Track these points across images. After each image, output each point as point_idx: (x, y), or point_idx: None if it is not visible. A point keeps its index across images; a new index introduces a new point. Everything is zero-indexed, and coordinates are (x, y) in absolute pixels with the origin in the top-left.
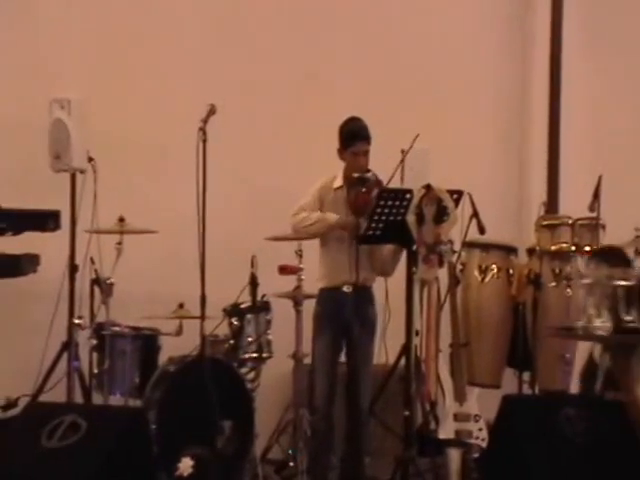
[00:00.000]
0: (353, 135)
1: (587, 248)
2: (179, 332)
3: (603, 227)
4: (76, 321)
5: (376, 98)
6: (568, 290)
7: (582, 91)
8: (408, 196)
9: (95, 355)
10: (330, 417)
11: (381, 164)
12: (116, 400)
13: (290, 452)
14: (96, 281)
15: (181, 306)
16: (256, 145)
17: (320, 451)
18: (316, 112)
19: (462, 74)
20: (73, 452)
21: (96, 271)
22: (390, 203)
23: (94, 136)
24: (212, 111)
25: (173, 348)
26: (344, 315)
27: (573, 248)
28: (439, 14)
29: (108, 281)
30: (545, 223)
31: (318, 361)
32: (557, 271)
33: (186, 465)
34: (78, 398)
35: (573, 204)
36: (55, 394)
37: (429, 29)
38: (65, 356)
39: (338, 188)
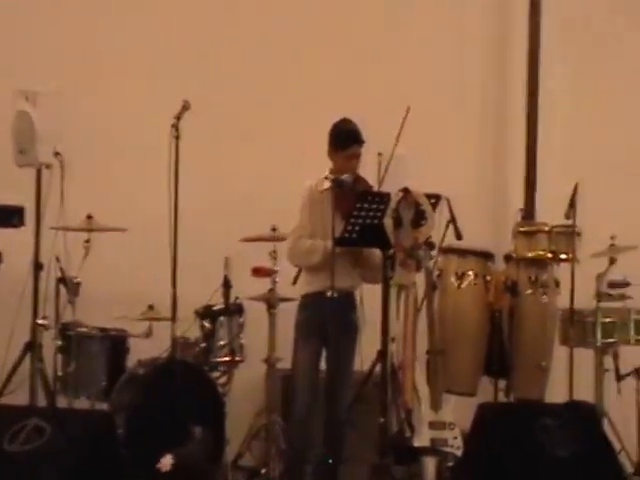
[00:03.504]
0: (349, 137)
1: (563, 255)
2: (149, 334)
3: (579, 235)
4: (40, 321)
5: (356, 100)
6: (544, 297)
7: (559, 101)
8: (386, 199)
9: (60, 357)
10: (310, 426)
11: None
12: (82, 403)
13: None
14: (62, 280)
15: (151, 307)
16: (232, 144)
17: (296, 459)
18: (293, 113)
19: (443, 81)
20: (36, 456)
21: (62, 270)
22: (367, 206)
23: (64, 131)
24: (185, 107)
25: (142, 350)
26: (328, 321)
27: (550, 255)
28: (422, 23)
29: (75, 280)
30: (522, 230)
31: (301, 369)
32: (533, 278)
33: (166, 462)
34: (42, 402)
35: (550, 211)
36: (17, 397)
37: (411, 35)
38: (28, 357)
39: (325, 190)
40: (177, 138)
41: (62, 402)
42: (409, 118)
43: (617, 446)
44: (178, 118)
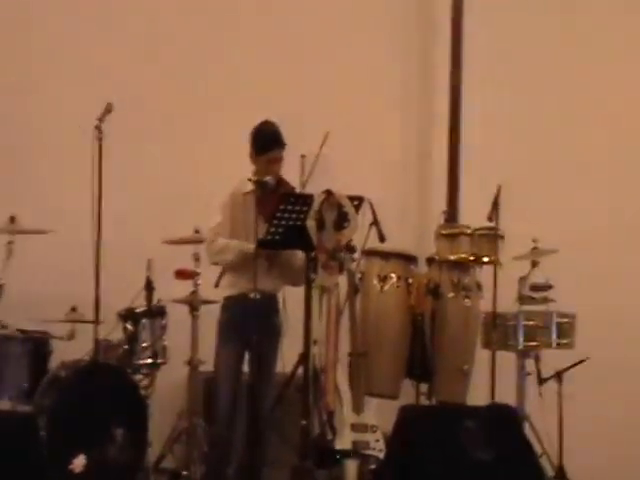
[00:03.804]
0: (270, 142)
1: (486, 258)
2: (71, 336)
3: (502, 237)
4: None
5: (279, 102)
6: (467, 301)
7: (481, 104)
8: (309, 201)
9: None
10: (232, 427)
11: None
12: (4, 405)
13: None
14: None
15: (74, 309)
16: (155, 146)
17: (218, 462)
18: (216, 115)
19: (366, 83)
20: None
21: None
22: (290, 208)
23: None
24: (108, 109)
25: (65, 352)
26: (251, 323)
27: (472, 258)
28: (343, 24)
29: None
30: (444, 232)
31: (223, 370)
32: (456, 281)
33: (79, 462)
34: None
35: (473, 214)
36: None
37: (334, 37)
38: None
39: (248, 192)
40: (100, 140)
41: None
42: (331, 115)
43: (538, 449)
44: (101, 120)
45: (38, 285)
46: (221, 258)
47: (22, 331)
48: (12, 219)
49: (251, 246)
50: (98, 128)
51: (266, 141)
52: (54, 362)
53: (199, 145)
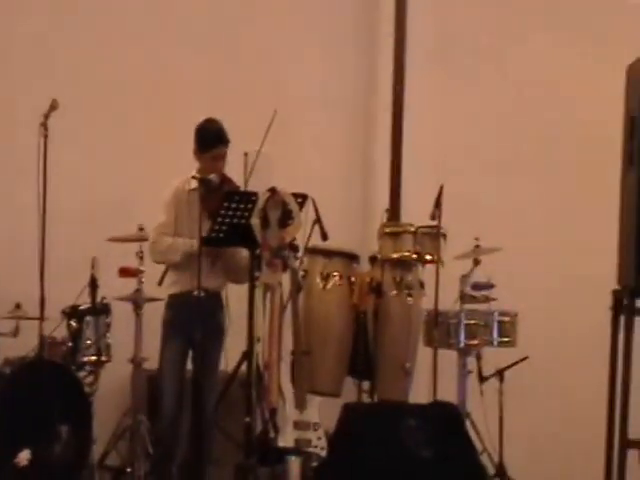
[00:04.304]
0: (213, 138)
1: (429, 257)
2: (16, 333)
3: (444, 236)
4: None
5: (222, 100)
6: (409, 299)
7: (425, 101)
8: (253, 199)
9: None
10: (176, 425)
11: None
12: None
13: None
14: None
15: (18, 306)
16: (101, 143)
17: (163, 459)
18: (161, 113)
19: (310, 81)
20: None
21: None
22: (235, 205)
23: None
24: (53, 106)
25: (9, 349)
26: (194, 321)
27: (415, 256)
28: (290, 23)
29: None
30: (388, 231)
31: (167, 368)
32: (398, 279)
33: (24, 456)
34: None
35: (416, 212)
36: None
37: (280, 35)
38: None
39: (192, 190)
40: (45, 137)
41: None
42: (276, 117)
43: (479, 447)
44: (46, 117)
45: None
46: (166, 258)
47: None
48: None
49: (196, 245)
50: (43, 125)
51: (209, 138)
52: None
53: (143, 142)
